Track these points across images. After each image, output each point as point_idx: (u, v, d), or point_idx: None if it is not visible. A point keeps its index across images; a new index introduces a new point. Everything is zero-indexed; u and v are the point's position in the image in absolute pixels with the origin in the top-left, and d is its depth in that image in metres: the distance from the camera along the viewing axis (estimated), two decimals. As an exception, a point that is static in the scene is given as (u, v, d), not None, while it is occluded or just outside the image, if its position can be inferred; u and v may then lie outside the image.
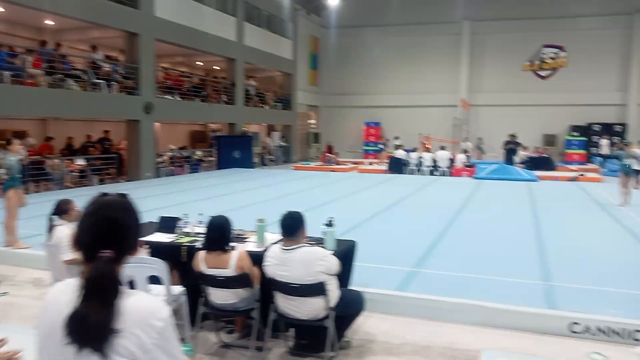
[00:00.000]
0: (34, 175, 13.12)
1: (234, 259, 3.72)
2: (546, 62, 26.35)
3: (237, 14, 21.57)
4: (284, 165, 23.86)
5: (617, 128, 24.43)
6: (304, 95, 27.44)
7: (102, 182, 15.38)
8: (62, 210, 4.51)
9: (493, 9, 26.20)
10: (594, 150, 23.74)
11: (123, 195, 1.54)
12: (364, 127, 28.73)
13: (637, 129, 24.11)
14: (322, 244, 4.20)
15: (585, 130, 25.03)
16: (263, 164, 23.83)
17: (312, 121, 29.50)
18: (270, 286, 3.68)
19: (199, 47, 19.26)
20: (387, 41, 28.12)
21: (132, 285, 3.49)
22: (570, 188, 15.34)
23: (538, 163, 20.45)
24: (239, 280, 3.72)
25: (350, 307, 3.87)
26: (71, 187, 14.05)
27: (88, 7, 14.27)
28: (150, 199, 11.20)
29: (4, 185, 7.26)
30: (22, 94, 12.50)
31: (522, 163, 20.48)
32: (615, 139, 21.53)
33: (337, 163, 22.80)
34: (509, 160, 21.21)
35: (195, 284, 3.90)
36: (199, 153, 21.25)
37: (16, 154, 7.43)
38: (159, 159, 17.98)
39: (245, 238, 4.53)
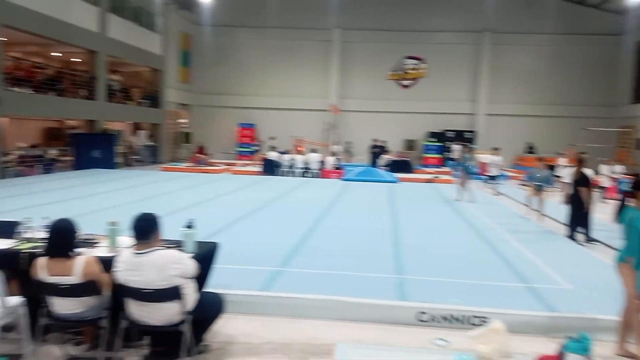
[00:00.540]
0: None
1: (80, 265, 3.47)
2: (408, 73, 28.35)
3: (101, 3, 20.12)
4: (152, 166, 22.75)
5: (468, 135, 27.10)
6: (174, 93, 26.41)
7: None
8: None
9: (362, 19, 27.56)
10: (447, 154, 26.05)
11: None
12: (238, 128, 28.48)
13: (485, 135, 27.00)
14: (181, 246, 4.09)
15: (440, 137, 27.41)
16: (127, 164, 22.50)
17: (183, 120, 28.52)
18: (121, 293, 3.49)
19: (55, 36, 17.60)
20: (262, 43, 28.20)
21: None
22: (426, 189, 16.73)
23: (399, 166, 22.01)
24: (85, 288, 3.48)
25: (208, 310, 3.82)
26: None
27: None
28: (-8, 202, 9.99)
29: None
30: None
31: (385, 166, 21.88)
32: (468, 145, 23.87)
33: (209, 164, 22.32)
34: (374, 163, 22.56)
35: (36, 294, 3.57)
36: (53, 152, 19.42)
37: None
38: (5, 158, 16.13)
39: (96, 243, 4.24)
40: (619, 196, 5.16)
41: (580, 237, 8.88)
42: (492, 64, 27.37)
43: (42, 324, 3.59)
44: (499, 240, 8.60)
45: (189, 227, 4.20)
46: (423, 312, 4.75)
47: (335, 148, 23.96)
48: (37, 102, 17.18)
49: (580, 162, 8.96)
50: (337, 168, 20.63)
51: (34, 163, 17.71)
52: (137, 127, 25.37)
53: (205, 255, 4.24)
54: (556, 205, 10.83)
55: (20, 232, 4.35)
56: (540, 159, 12.23)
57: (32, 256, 3.86)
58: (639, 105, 24.57)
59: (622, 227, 4.26)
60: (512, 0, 26.79)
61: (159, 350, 3.88)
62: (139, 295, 3.42)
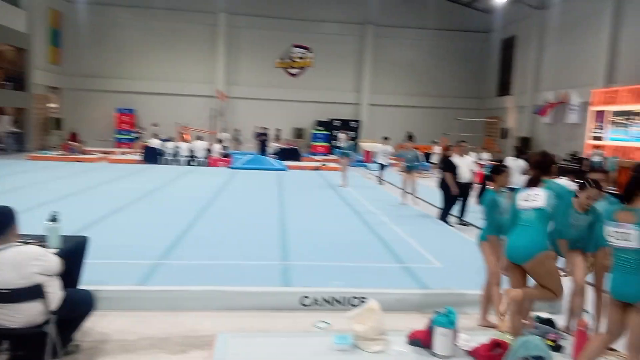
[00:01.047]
0: None
1: None
2: (295, 61, 28.53)
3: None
4: (17, 154, 20.60)
5: (353, 124, 28.02)
6: (42, 74, 24.02)
7: None
8: None
9: (249, 5, 27.09)
10: (334, 142, 26.74)
11: None
12: (115, 113, 26.72)
13: (369, 125, 28.10)
14: (43, 241, 3.75)
15: (328, 125, 28.03)
16: (-12, 153, 20.16)
17: (53, 105, 26.10)
18: (-29, 295, 3.11)
19: None
20: (142, 24, 26.60)
21: None
22: (313, 176, 17.06)
23: (288, 154, 22.18)
24: None
25: (77, 308, 3.58)
26: None
27: None
28: None
29: None
30: None
31: (274, 154, 21.92)
32: (351, 134, 24.68)
33: (83, 152, 20.75)
34: (262, 151, 22.49)
35: None
36: None
37: None
38: None
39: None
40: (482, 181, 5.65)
41: (452, 219, 9.61)
42: (375, 56, 28.46)
43: None
44: (378, 223, 9.03)
45: (53, 220, 3.88)
46: (306, 297, 4.84)
47: (222, 135, 23.48)
48: None
49: (446, 149, 9.65)
50: (225, 156, 20.26)
51: None
52: (-2, 111, 22.73)
53: (73, 250, 3.96)
54: (431, 189, 11.60)
55: None
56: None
57: None
58: (504, 97, 27.13)
59: (483, 208, 4.66)
60: (393, -5, 28.05)
61: (20, 355, 3.54)
62: (-7, 296, 3.08)
